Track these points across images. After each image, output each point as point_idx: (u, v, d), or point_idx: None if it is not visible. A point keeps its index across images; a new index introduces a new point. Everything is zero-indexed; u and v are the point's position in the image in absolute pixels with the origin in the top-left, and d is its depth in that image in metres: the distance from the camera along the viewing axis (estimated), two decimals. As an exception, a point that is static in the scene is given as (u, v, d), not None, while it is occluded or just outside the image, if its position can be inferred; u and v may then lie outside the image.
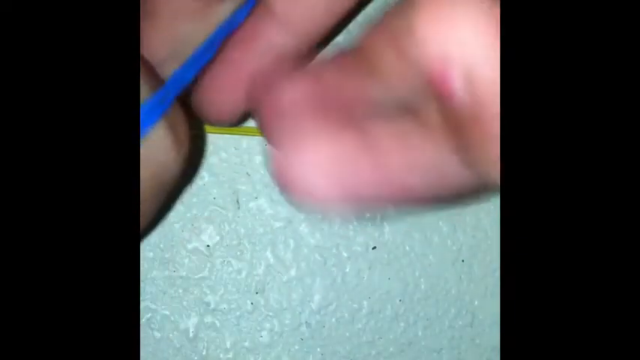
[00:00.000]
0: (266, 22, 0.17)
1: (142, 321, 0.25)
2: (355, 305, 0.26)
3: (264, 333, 0.25)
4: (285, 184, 0.14)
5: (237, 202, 0.25)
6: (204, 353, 0.25)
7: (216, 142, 0.25)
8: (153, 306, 0.25)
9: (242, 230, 0.25)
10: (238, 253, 0.25)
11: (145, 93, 0.16)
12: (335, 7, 0.16)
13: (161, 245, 0.25)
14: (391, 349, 0.26)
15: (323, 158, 0.13)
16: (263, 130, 0.15)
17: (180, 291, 0.25)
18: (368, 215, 0.26)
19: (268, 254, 0.25)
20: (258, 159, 0.25)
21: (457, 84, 0.11)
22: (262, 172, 0.25)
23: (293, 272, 0.25)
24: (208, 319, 0.25)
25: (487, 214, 0.26)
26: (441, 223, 0.26)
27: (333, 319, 0.26)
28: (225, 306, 0.25)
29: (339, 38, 0.22)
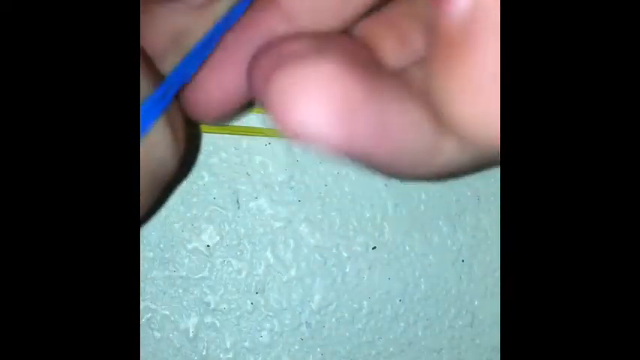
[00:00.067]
0: (269, 11, 0.16)
1: (142, 321, 0.25)
2: (355, 305, 0.26)
3: (264, 333, 0.25)
4: (287, 124, 0.13)
5: (237, 202, 0.25)
6: (204, 353, 0.25)
7: (216, 142, 0.25)
8: (153, 306, 0.25)
9: (242, 230, 0.25)
10: (238, 253, 0.25)
11: (145, 88, 0.16)
12: (345, 10, 0.16)
13: (161, 245, 0.25)
14: (391, 349, 0.26)
15: (326, 98, 0.12)
16: (262, 90, 0.13)
17: (180, 291, 0.25)
18: (368, 215, 0.26)
19: (268, 254, 0.25)
20: (258, 159, 0.25)
21: None
22: (262, 172, 0.25)
23: (293, 272, 0.25)
24: (208, 319, 0.25)
25: (487, 214, 0.26)
26: (441, 223, 0.26)
27: (333, 319, 0.26)
28: (225, 306, 0.25)
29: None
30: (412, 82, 0.14)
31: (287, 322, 0.25)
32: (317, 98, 0.12)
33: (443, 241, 0.26)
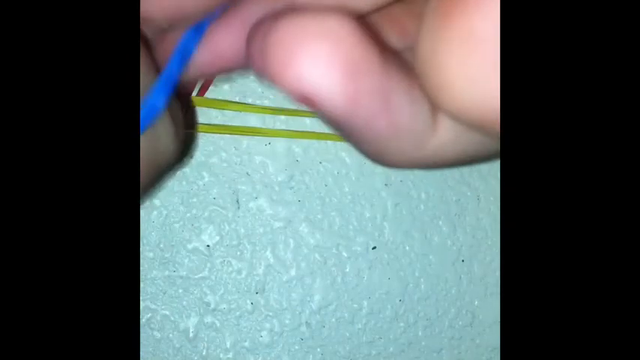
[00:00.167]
0: None
1: (142, 321, 0.25)
2: (355, 305, 0.26)
3: (264, 333, 0.25)
4: (288, 77, 0.12)
5: (237, 202, 0.25)
6: (204, 353, 0.25)
7: (217, 142, 0.25)
8: (153, 306, 0.25)
9: (242, 230, 0.25)
10: (238, 253, 0.25)
11: (145, 72, 0.15)
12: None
13: (161, 245, 0.25)
14: (391, 349, 0.26)
15: (334, 54, 0.11)
16: (260, 51, 0.12)
17: (180, 291, 0.25)
18: (368, 215, 0.26)
19: (268, 254, 0.25)
20: (258, 159, 0.25)
21: None
22: (262, 172, 0.25)
23: (293, 272, 0.25)
24: (208, 319, 0.25)
25: (487, 214, 0.26)
26: (440, 223, 0.26)
27: (333, 319, 0.26)
28: (225, 306, 0.25)
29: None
30: (411, 64, 0.13)
31: (287, 322, 0.25)
32: (324, 53, 0.11)
33: (443, 241, 0.26)
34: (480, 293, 0.26)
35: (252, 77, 0.25)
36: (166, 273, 0.25)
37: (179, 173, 0.25)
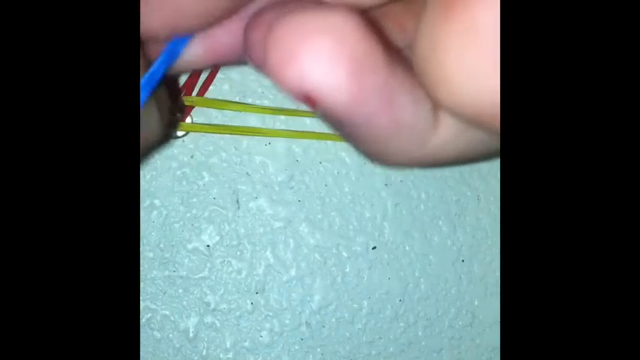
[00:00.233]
0: None
1: (142, 321, 0.25)
2: (355, 305, 0.26)
3: (264, 333, 0.25)
4: (291, 74, 0.11)
5: (237, 202, 0.25)
6: (204, 353, 0.25)
7: (217, 142, 0.25)
8: (153, 306, 0.25)
9: (242, 230, 0.25)
10: (238, 253, 0.25)
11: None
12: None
13: (161, 245, 0.25)
14: (391, 349, 0.26)
15: (338, 50, 0.11)
16: (261, 47, 0.12)
17: (180, 291, 0.25)
18: (368, 215, 0.26)
19: (268, 254, 0.25)
20: (258, 159, 0.25)
21: None
22: (262, 172, 0.25)
23: (293, 272, 0.25)
24: (208, 319, 0.25)
25: (487, 214, 0.26)
26: (440, 223, 0.26)
27: (333, 319, 0.26)
28: (225, 306, 0.25)
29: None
30: (411, 61, 0.13)
31: (287, 322, 0.25)
32: (328, 49, 0.11)
33: (443, 241, 0.26)
34: (480, 293, 0.26)
35: (252, 77, 0.25)
36: (166, 273, 0.25)
37: (179, 173, 0.25)
